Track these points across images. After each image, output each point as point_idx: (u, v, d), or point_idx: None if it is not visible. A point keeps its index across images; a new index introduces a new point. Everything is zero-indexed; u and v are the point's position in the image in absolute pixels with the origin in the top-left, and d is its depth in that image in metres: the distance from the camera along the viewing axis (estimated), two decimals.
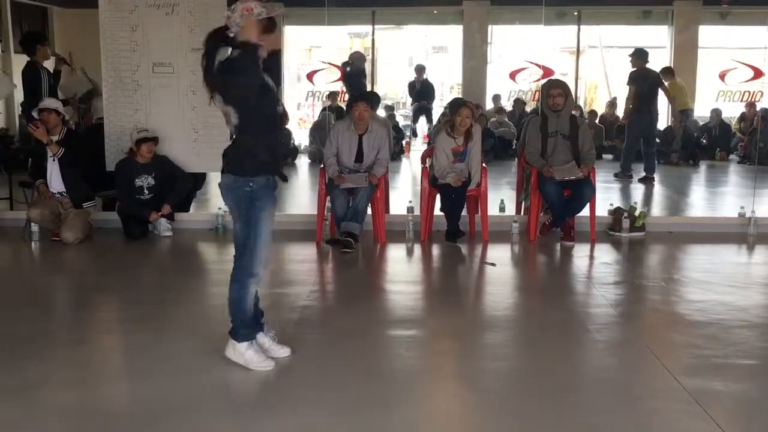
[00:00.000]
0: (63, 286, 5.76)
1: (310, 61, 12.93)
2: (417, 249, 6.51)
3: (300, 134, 12.71)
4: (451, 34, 14.19)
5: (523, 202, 7.18)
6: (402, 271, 6.18)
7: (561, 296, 5.25)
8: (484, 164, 6.77)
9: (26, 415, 3.34)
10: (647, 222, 6.95)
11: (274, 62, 3.75)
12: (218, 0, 7.02)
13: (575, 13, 13.12)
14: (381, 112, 11.15)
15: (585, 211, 6.64)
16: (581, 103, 13.24)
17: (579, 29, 13.28)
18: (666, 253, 6.63)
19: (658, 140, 11.73)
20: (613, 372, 3.93)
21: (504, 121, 12.59)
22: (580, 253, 6.42)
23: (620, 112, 11.42)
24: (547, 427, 3.26)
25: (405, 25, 15.23)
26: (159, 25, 7.05)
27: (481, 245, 6.55)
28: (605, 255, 6.41)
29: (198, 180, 7.52)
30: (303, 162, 12.14)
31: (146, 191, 6.76)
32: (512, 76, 12.93)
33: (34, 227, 6.60)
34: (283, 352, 3.94)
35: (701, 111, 12.82)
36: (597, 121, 12.64)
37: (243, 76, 3.51)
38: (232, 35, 3.56)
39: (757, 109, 12.11)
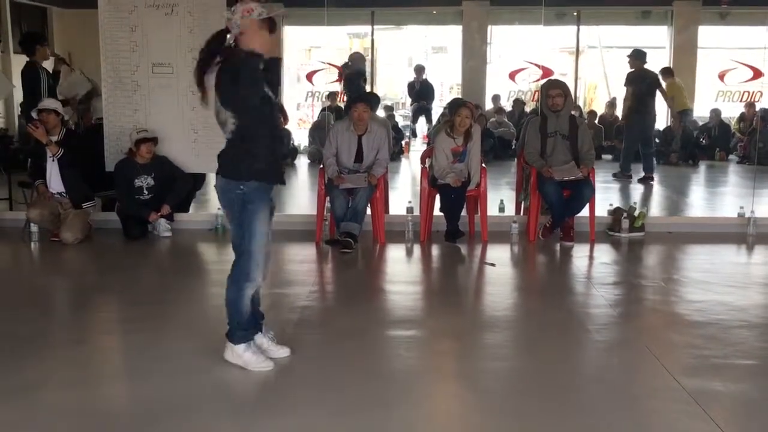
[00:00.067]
0: (62, 286, 5.76)
1: (309, 62, 12.93)
2: (416, 249, 6.52)
3: (299, 134, 12.71)
4: (451, 35, 14.19)
5: (523, 203, 7.18)
6: (401, 271, 6.18)
7: (560, 296, 5.25)
8: (483, 164, 6.77)
9: (26, 415, 3.34)
10: (647, 222, 6.96)
11: (274, 70, 3.74)
12: (217, 0, 7.03)
13: (575, 14, 13.13)
14: (380, 113, 11.15)
15: (584, 212, 6.65)
16: (580, 103, 13.24)
17: (578, 29, 13.29)
18: (665, 254, 6.63)
19: (657, 140, 11.75)
20: (612, 372, 3.93)
21: (503, 121, 12.59)
22: (580, 253, 6.42)
23: (620, 112, 11.43)
24: (547, 427, 3.26)
25: (404, 26, 15.23)
26: (158, 25, 7.05)
27: (481, 245, 6.55)
28: (605, 255, 6.41)
29: (197, 180, 7.52)
30: (302, 162, 12.14)
31: (146, 192, 6.76)
32: (512, 76, 12.95)
33: (34, 227, 6.60)
34: (282, 352, 3.94)
35: (701, 111, 12.83)
36: (596, 122, 12.64)
37: (245, 86, 3.50)
38: (233, 38, 3.56)
39: (757, 109, 12.13)
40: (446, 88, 14.61)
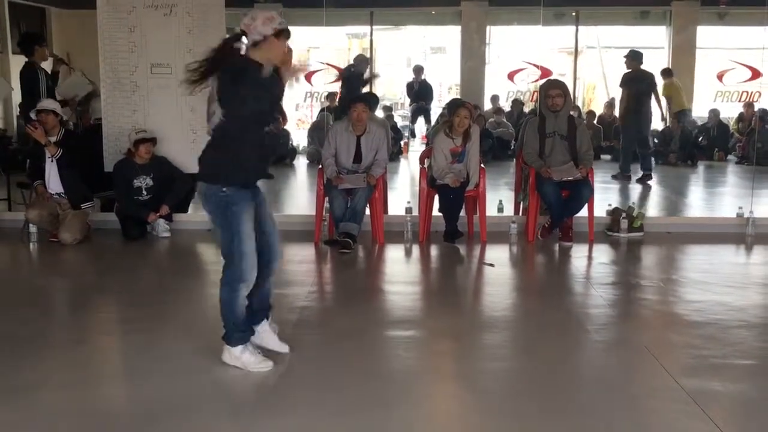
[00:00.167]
0: (61, 287, 5.76)
1: (308, 62, 12.92)
2: (415, 250, 6.52)
3: (298, 135, 12.71)
4: (450, 35, 14.21)
5: (522, 203, 7.18)
6: (400, 271, 6.18)
7: (559, 297, 5.25)
8: (482, 165, 6.77)
9: (26, 415, 3.34)
10: (645, 222, 6.96)
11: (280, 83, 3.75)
12: (216, 1, 7.03)
13: (573, 14, 13.13)
14: (379, 113, 11.16)
15: (583, 212, 6.65)
16: (579, 103, 13.25)
17: (577, 30, 13.30)
18: (664, 254, 6.63)
19: (656, 141, 11.77)
20: (611, 372, 3.94)
21: (502, 121, 12.60)
22: (579, 253, 6.43)
23: (618, 112, 11.43)
24: (546, 427, 3.26)
25: (403, 26, 15.24)
26: (157, 25, 7.05)
27: (480, 246, 6.55)
28: (603, 255, 6.41)
29: (196, 181, 7.50)
30: (301, 163, 12.14)
31: (144, 192, 6.76)
32: (510, 76, 12.98)
33: (33, 228, 6.60)
34: (282, 348, 3.93)
35: (699, 111, 12.84)
36: (595, 122, 12.65)
37: (245, 87, 3.50)
38: (250, 42, 3.55)
39: (755, 109, 12.14)
40: (445, 89, 14.63)
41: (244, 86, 3.50)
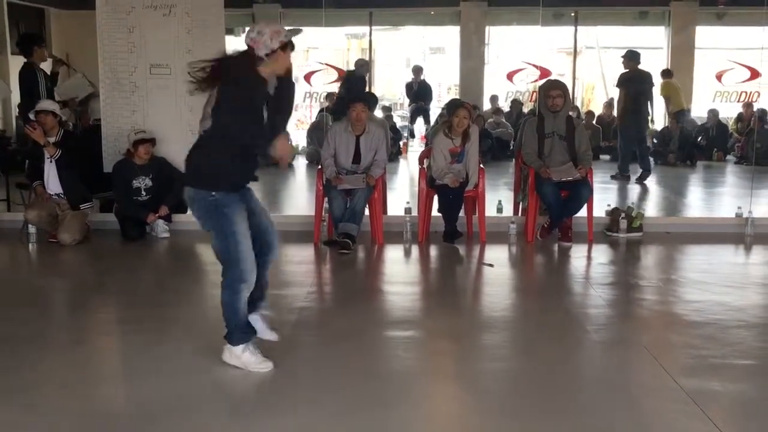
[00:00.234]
0: (61, 287, 5.76)
1: (307, 63, 12.93)
2: (414, 250, 6.52)
3: (297, 135, 12.70)
4: (449, 35, 14.20)
5: (521, 203, 7.18)
6: (400, 272, 6.18)
7: (559, 297, 5.26)
8: (481, 165, 6.77)
9: (26, 415, 3.34)
10: (644, 222, 6.96)
11: (286, 89, 3.76)
12: (215, 1, 7.03)
13: (572, 14, 13.12)
14: (378, 113, 11.16)
15: (582, 212, 6.65)
16: (578, 103, 13.26)
17: (576, 30, 13.29)
18: (663, 254, 6.64)
19: (655, 140, 11.77)
20: (610, 372, 3.94)
21: (501, 122, 12.59)
22: (578, 253, 6.43)
23: (616, 113, 11.44)
24: (546, 427, 3.26)
25: (402, 26, 15.23)
26: (156, 26, 7.05)
27: (479, 246, 6.55)
28: (603, 255, 6.42)
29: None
30: (300, 163, 12.12)
31: (144, 193, 6.75)
32: (509, 76, 12.97)
33: (32, 229, 6.60)
34: (271, 336, 3.91)
35: (698, 111, 12.84)
36: (594, 122, 12.65)
37: (244, 115, 3.52)
38: (261, 56, 3.55)
39: (754, 109, 12.13)
40: (444, 89, 14.62)
41: (244, 114, 3.52)
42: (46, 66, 8.06)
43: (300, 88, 13.07)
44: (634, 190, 9.77)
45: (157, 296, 5.25)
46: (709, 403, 3.43)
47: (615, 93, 11.27)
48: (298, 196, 9.50)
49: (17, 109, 9.41)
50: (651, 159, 10.57)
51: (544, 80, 8.29)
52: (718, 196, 10.14)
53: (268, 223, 3.83)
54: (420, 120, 12.94)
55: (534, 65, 12.03)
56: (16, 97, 8.84)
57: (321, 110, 11.95)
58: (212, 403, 3.48)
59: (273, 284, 5.19)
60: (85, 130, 8.41)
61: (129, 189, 6.74)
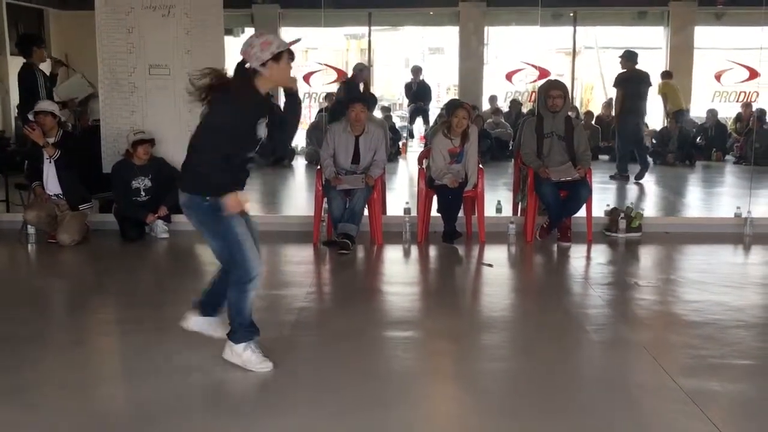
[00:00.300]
0: (60, 288, 5.76)
1: (306, 63, 12.93)
2: (414, 250, 6.52)
3: (297, 136, 12.69)
4: (448, 36, 14.21)
5: (520, 203, 7.18)
6: (399, 272, 6.18)
7: (558, 297, 5.26)
8: (480, 165, 6.78)
9: (26, 415, 3.34)
10: (643, 222, 6.96)
11: (291, 105, 3.81)
12: (214, 2, 7.03)
13: (571, 15, 13.14)
14: (377, 114, 11.16)
15: (581, 212, 6.65)
16: (577, 104, 13.27)
17: (575, 30, 13.30)
18: (662, 254, 6.64)
19: (654, 141, 11.77)
20: (610, 372, 3.94)
21: (500, 122, 12.60)
22: (577, 253, 6.43)
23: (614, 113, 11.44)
24: (545, 427, 3.27)
25: (401, 27, 15.25)
26: (155, 26, 7.05)
27: (478, 246, 6.56)
28: (602, 255, 6.42)
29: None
30: (300, 163, 12.13)
31: (143, 193, 6.75)
32: (509, 77, 12.97)
33: (31, 229, 6.60)
34: (217, 333, 3.90)
35: (697, 111, 12.85)
36: (593, 122, 12.66)
37: (228, 108, 3.54)
38: (254, 67, 3.58)
39: (753, 109, 12.14)
40: (443, 89, 14.63)
41: (235, 131, 3.54)
42: (46, 66, 8.06)
43: (299, 89, 13.08)
44: (632, 190, 9.78)
45: (157, 297, 5.25)
46: (708, 402, 3.44)
47: (614, 93, 11.29)
48: (298, 197, 9.51)
49: (16, 110, 9.40)
50: (650, 159, 10.57)
51: (543, 80, 8.29)
52: (716, 196, 10.14)
53: (255, 230, 3.84)
54: (419, 120, 12.94)
55: (533, 65, 12.03)
56: (15, 98, 8.83)
57: (320, 110, 11.94)
58: (212, 403, 3.49)
59: (272, 284, 5.25)
60: (84, 130, 8.42)
61: (128, 189, 6.74)
